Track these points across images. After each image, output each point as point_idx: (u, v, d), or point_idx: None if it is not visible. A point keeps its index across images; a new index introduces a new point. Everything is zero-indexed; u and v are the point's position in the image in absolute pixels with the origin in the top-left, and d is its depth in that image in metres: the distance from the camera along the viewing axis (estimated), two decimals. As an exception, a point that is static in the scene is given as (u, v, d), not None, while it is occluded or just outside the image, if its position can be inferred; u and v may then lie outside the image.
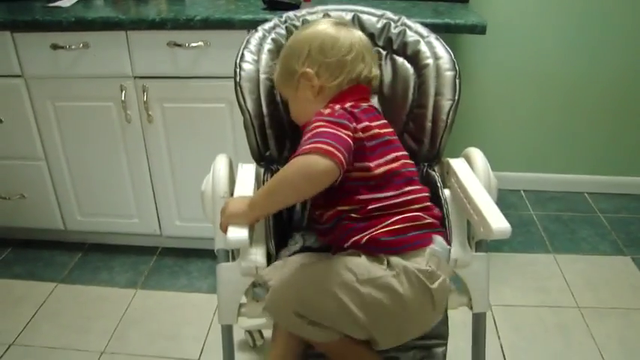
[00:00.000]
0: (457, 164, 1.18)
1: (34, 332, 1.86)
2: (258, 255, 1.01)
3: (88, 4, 2.01)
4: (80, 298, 2.02)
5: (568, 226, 2.45)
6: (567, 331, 1.85)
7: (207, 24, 1.75)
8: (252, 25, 1.65)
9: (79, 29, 1.80)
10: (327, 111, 1.04)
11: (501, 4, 2.33)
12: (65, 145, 2.03)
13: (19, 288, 2.08)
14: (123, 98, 1.89)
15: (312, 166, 0.91)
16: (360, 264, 0.98)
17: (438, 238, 1.04)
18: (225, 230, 0.98)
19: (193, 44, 1.79)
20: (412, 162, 1.13)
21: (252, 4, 1.92)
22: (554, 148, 2.64)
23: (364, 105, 1.11)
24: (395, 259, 0.98)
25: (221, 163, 1.16)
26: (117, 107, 1.93)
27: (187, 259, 2.22)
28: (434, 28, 1.32)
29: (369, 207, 1.02)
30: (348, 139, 0.97)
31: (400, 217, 1.01)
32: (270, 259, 1.13)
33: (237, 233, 0.95)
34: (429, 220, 1.05)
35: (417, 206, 1.04)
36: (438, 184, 1.16)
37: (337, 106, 1.06)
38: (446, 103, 1.20)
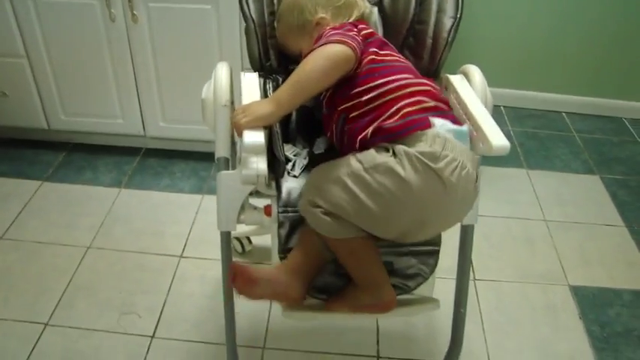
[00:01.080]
0: (456, 81, 1.19)
1: (22, 228, 1.89)
2: (259, 163, 1.01)
3: None
4: (66, 195, 2.05)
5: (544, 144, 2.53)
6: (532, 242, 1.98)
7: None
8: None
9: None
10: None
11: None
12: (47, 42, 1.97)
13: (5, 185, 2.09)
14: (107, -5, 1.83)
15: (332, 50, 1.01)
16: (368, 154, 1.00)
17: (440, 121, 1.01)
18: (240, 134, 0.99)
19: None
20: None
21: None
22: (539, 67, 2.67)
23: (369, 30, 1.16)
24: (399, 146, 0.98)
25: (222, 71, 1.15)
26: (100, 5, 1.86)
27: (171, 161, 2.24)
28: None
29: (365, 97, 1.04)
30: (357, 36, 1.07)
31: (402, 102, 1.02)
32: (277, 165, 1.14)
33: (255, 137, 0.96)
34: (432, 103, 1.04)
35: (417, 89, 1.05)
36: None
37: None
38: (448, 21, 1.20)
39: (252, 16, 1.18)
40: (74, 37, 1.94)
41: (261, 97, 1.14)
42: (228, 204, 1.14)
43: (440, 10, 1.22)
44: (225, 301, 1.21)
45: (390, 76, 1.05)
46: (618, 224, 2.09)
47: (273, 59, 1.25)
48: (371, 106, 1.03)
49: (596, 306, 1.74)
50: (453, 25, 1.21)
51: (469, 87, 1.16)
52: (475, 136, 1.05)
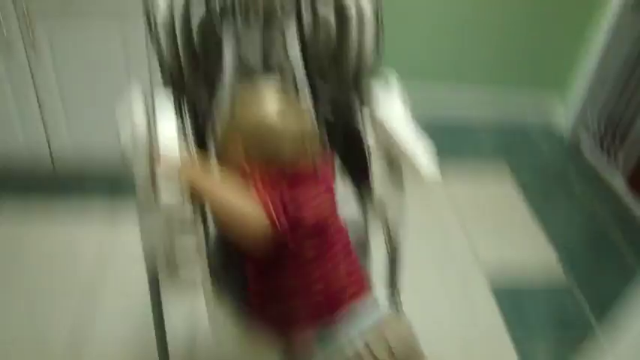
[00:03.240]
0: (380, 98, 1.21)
1: None
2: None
3: None
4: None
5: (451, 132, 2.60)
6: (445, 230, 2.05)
7: None
8: None
9: None
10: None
11: None
12: None
13: None
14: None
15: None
16: None
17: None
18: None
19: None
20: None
21: None
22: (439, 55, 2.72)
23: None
24: None
25: (138, 116, 1.08)
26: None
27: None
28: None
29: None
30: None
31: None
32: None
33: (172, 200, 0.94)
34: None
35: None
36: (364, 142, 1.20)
37: None
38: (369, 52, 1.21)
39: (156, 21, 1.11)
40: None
41: (178, 126, 1.11)
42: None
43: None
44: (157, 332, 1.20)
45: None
46: (524, 206, 2.21)
47: (187, 70, 1.18)
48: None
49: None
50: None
51: (392, 106, 1.19)
52: (405, 168, 1.08)
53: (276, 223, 0.92)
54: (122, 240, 1.89)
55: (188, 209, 0.99)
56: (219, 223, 1.03)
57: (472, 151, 2.56)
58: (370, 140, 1.19)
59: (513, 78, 2.77)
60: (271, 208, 0.92)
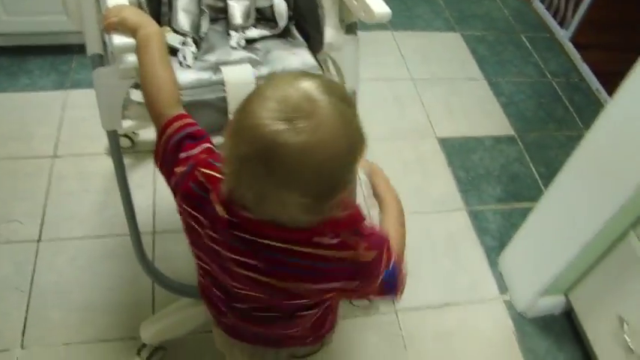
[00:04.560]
0: None
1: None
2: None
3: None
4: None
5: (406, 4, 2.58)
6: (401, 100, 2.10)
7: None
8: None
9: None
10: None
11: None
12: None
13: None
14: None
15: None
16: None
17: None
18: (110, 30, 0.90)
19: None
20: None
21: None
22: None
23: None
24: None
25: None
26: None
27: (24, 58, 2.01)
28: None
29: None
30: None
31: None
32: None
33: (125, 39, 0.88)
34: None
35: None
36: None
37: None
38: None
39: None
40: None
41: None
42: (110, 102, 1.07)
43: None
44: (122, 192, 1.17)
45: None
46: (479, 78, 2.26)
47: None
48: None
49: (461, 153, 1.93)
50: None
51: None
52: (356, 6, 1.05)
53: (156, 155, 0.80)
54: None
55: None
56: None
57: (429, 18, 2.54)
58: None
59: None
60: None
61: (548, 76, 2.34)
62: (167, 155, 0.78)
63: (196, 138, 0.77)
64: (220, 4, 1.25)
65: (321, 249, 0.68)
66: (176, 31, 1.17)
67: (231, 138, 0.61)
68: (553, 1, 2.61)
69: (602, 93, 2.23)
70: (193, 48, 1.15)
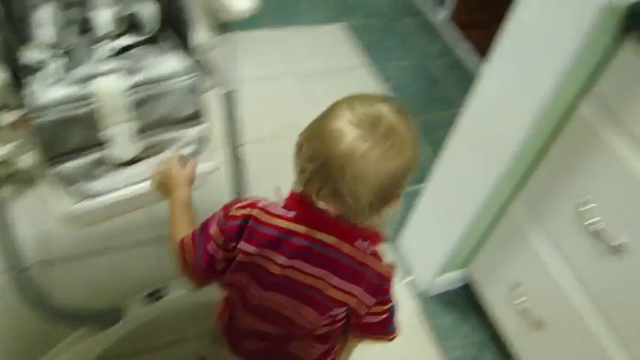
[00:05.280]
0: None
1: None
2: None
3: None
4: None
5: (286, 0, 2.57)
6: (286, 97, 2.10)
7: None
8: None
9: None
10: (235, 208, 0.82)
11: None
12: None
13: None
14: None
15: (176, 258, 0.89)
16: None
17: None
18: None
19: None
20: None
21: None
22: None
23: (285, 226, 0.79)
24: None
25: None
26: None
27: None
28: None
29: None
30: (211, 252, 0.84)
31: None
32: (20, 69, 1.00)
33: None
34: None
35: None
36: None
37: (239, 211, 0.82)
38: None
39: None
40: None
41: None
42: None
43: None
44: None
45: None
46: (365, 65, 2.31)
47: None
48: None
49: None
50: None
51: None
52: (218, 3, 1.04)
53: (189, 273, 0.88)
54: None
55: None
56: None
57: (310, 12, 2.56)
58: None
59: None
60: (189, 258, 0.86)
61: (432, 57, 2.43)
62: (198, 250, 0.85)
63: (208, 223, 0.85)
64: (86, 15, 1.19)
65: (360, 252, 0.79)
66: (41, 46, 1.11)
67: (311, 142, 0.73)
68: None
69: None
70: (59, 63, 1.09)
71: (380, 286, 0.81)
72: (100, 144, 1.08)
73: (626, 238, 1.05)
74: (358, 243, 0.78)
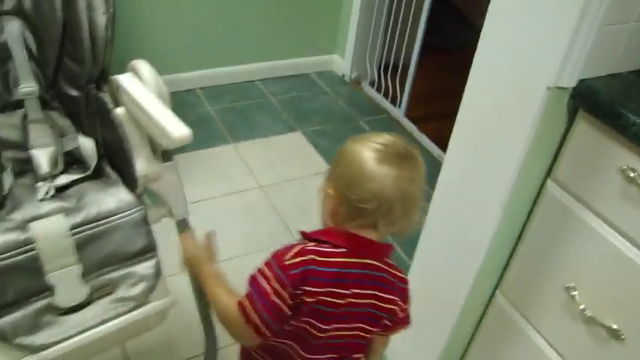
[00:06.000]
0: (126, 80, 1.11)
1: None
2: None
3: None
4: None
5: (243, 115, 2.62)
6: (254, 210, 2.06)
7: None
8: None
9: None
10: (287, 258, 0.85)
11: None
12: None
13: None
14: None
15: (232, 325, 0.89)
16: None
17: None
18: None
19: None
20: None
21: None
22: (220, 42, 2.72)
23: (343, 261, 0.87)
24: None
25: None
26: None
27: None
28: None
29: None
30: (278, 303, 0.85)
31: None
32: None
33: None
34: None
35: None
36: (109, 107, 1.09)
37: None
38: (101, 18, 1.11)
39: None
40: None
41: None
42: None
43: (90, 8, 1.11)
44: None
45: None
46: (324, 169, 2.29)
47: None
48: None
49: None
50: (107, 22, 1.11)
51: (139, 84, 1.09)
52: (156, 133, 1.00)
53: (260, 331, 0.85)
54: None
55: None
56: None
57: (268, 124, 2.59)
58: (118, 110, 1.09)
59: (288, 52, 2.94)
60: (255, 318, 0.84)
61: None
62: (259, 305, 0.85)
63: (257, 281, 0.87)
64: (24, 155, 1.15)
65: (392, 268, 0.92)
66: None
67: (353, 187, 0.82)
68: (380, 83, 2.80)
69: (444, 157, 2.36)
70: (10, 176, 1.04)
71: (405, 289, 0.94)
72: (43, 291, 1.00)
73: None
74: (385, 259, 0.91)
